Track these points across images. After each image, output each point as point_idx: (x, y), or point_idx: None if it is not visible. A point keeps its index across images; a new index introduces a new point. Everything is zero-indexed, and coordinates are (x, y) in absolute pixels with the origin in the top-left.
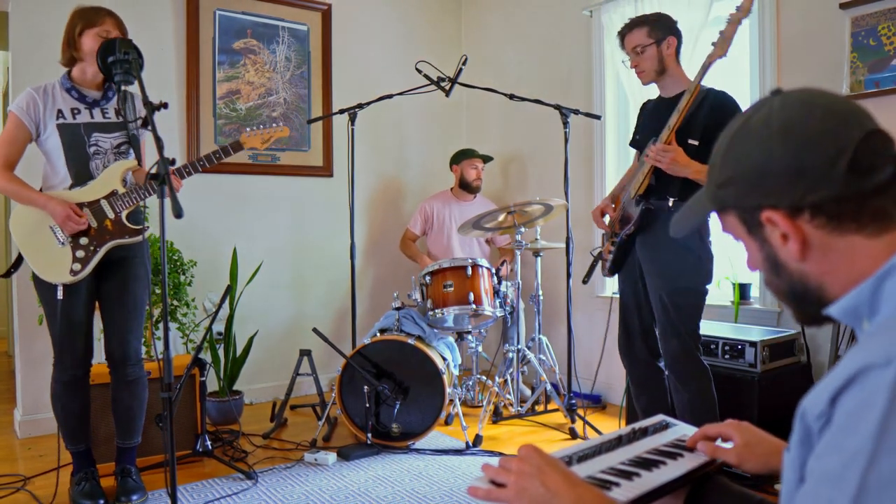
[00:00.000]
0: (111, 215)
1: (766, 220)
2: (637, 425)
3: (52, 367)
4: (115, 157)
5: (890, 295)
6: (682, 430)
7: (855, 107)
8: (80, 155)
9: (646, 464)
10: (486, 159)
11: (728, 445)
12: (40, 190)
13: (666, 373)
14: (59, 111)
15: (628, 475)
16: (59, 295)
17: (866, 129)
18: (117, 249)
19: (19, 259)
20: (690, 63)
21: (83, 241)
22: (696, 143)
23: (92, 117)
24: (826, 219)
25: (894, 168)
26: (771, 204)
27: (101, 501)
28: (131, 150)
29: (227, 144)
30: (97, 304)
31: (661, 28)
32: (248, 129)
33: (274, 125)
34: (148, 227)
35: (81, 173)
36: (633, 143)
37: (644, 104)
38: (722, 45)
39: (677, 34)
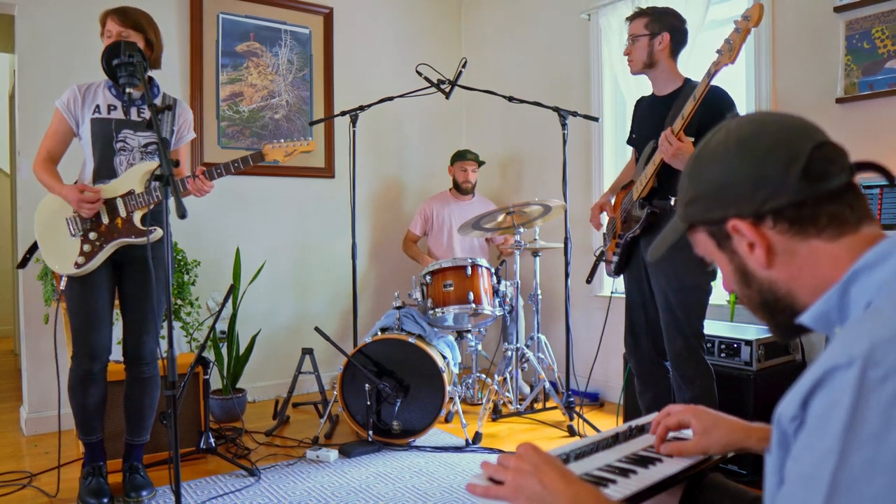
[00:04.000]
0: (123, 214)
1: (732, 229)
2: (634, 423)
3: (70, 360)
4: (141, 155)
5: (857, 299)
6: None
7: (806, 122)
8: (105, 149)
9: (642, 461)
10: (479, 162)
11: (687, 433)
12: (75, 183)
13: (670, 371)
14: (97, 106)
15: (625, 472)
16: (62, 285)
17: (817, 141)
18: (139, 250)
19: (33, 247)
20: (687, 65)
21: (92, 235)
22: (692, 139)
23: (126, 115)
24: (787, 224)
25: (847, 177)
26: (735, 214)
27: (106, 500)
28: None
29: (248, 155)
30: (118, 302)
31: (660, 22)
32: (274, 141)
33: (298, 139)
34: (154, 229)
35: (104, 167)
36: (630, 142)
37: (639, 101)
38: (729, 54)
39: (676, 32)
